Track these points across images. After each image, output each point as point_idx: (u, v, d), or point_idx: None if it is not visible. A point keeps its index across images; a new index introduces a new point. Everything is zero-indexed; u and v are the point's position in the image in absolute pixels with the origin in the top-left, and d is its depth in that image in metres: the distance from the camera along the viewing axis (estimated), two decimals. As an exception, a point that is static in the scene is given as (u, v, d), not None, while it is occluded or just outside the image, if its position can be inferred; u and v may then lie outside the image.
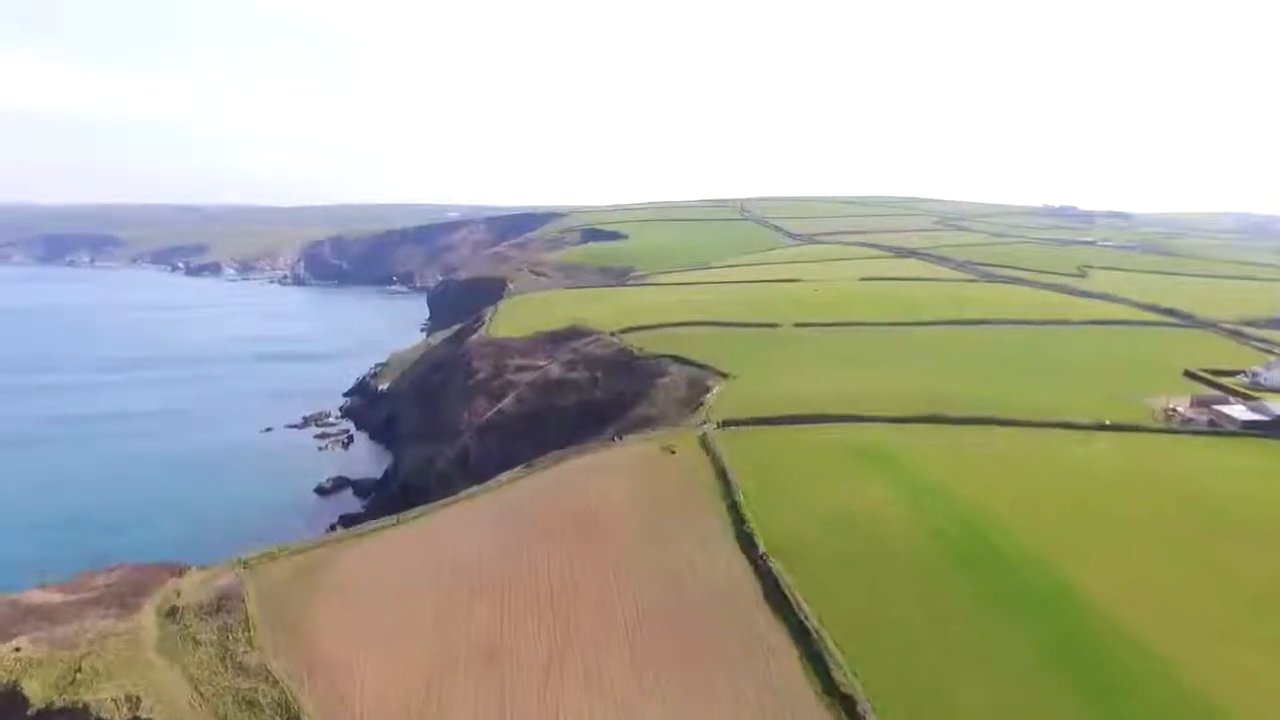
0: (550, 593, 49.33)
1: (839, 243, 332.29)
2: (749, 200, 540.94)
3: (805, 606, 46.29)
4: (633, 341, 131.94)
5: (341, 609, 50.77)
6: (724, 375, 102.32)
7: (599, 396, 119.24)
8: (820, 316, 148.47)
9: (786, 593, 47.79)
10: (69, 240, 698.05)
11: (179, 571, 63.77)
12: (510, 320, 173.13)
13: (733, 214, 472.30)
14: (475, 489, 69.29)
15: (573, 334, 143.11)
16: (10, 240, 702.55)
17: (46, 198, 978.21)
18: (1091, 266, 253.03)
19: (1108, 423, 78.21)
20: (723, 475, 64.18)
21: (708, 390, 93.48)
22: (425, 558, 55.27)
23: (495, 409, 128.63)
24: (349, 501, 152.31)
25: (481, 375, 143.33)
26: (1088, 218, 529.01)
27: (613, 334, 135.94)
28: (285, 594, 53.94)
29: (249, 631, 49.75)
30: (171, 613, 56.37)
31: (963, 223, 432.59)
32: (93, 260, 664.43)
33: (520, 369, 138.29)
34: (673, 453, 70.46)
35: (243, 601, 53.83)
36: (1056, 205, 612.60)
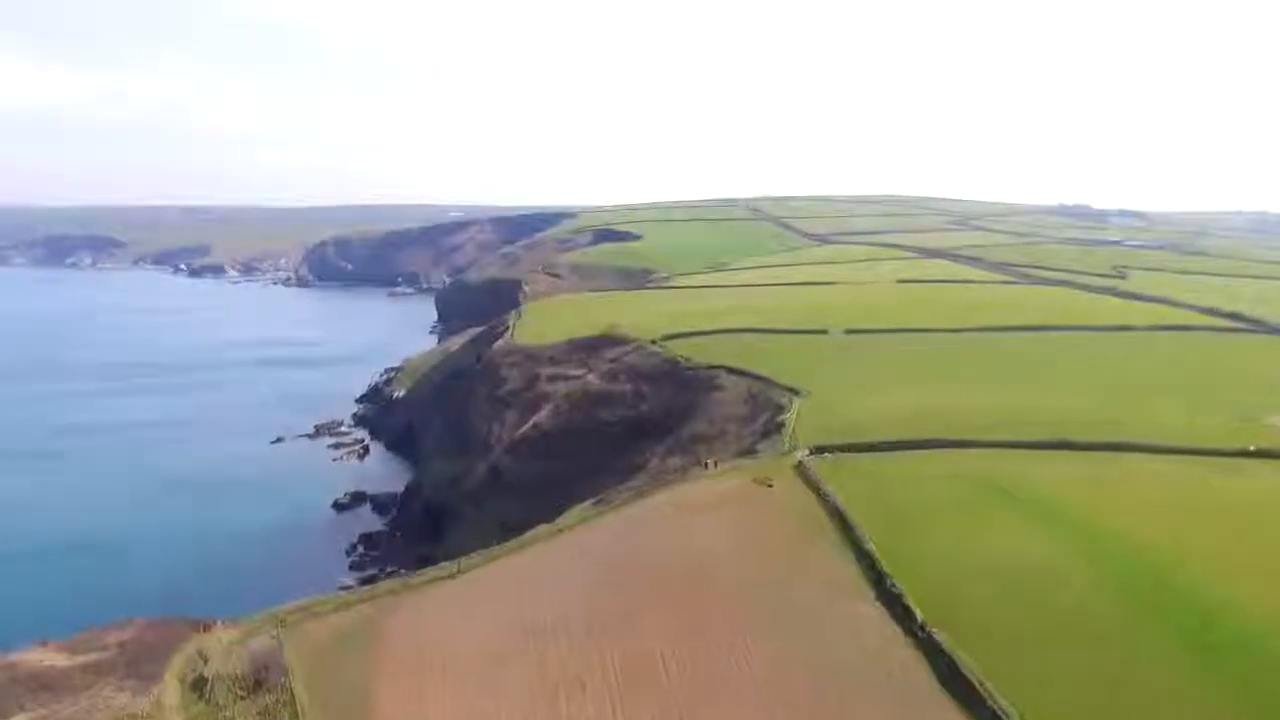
0: (666, 674, 40.30)
1: (859, 243, 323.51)
2: (758, 199, 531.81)
3: (999, 698, 37.09)
4: (674, 349, 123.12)
5: (407, 689, 41.84)
6: (792, 390, 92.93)
7: (645, 411, 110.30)
8: (870, 322, 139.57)
9: (969, 677, 38.63)
10: (70, 242, 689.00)
11: (202, 628, 54.72)
12: (535, 325, 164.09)
13: (743, 213, 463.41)
14: (543, 529, 60.25)
15: (607, 341, 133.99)
16: (10, 243, 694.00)
17: (47, 200, 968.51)
18: (1128, 267, 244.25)
19: (1252, 449, 69.22)
20: (838, 516, 54.95)
21: (779, 408, 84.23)
22: (501, 621, 46.19)
23: (529, 423, 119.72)
24: (368, 518, 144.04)
25: (510, 385, 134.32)
26: (1103, 216, 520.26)
27: (652, 341, 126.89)
28: (335, 665, 45.09)
29: (298, 718, 40.92)
30: (199, 685, 47.51)
31: (980, 222, 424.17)
32: (94, 262, 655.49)
33: (553, 379, 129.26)
34: (769, 486, 61.48)
35: (285, 675, 44.95)
36: (1070, 204, 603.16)
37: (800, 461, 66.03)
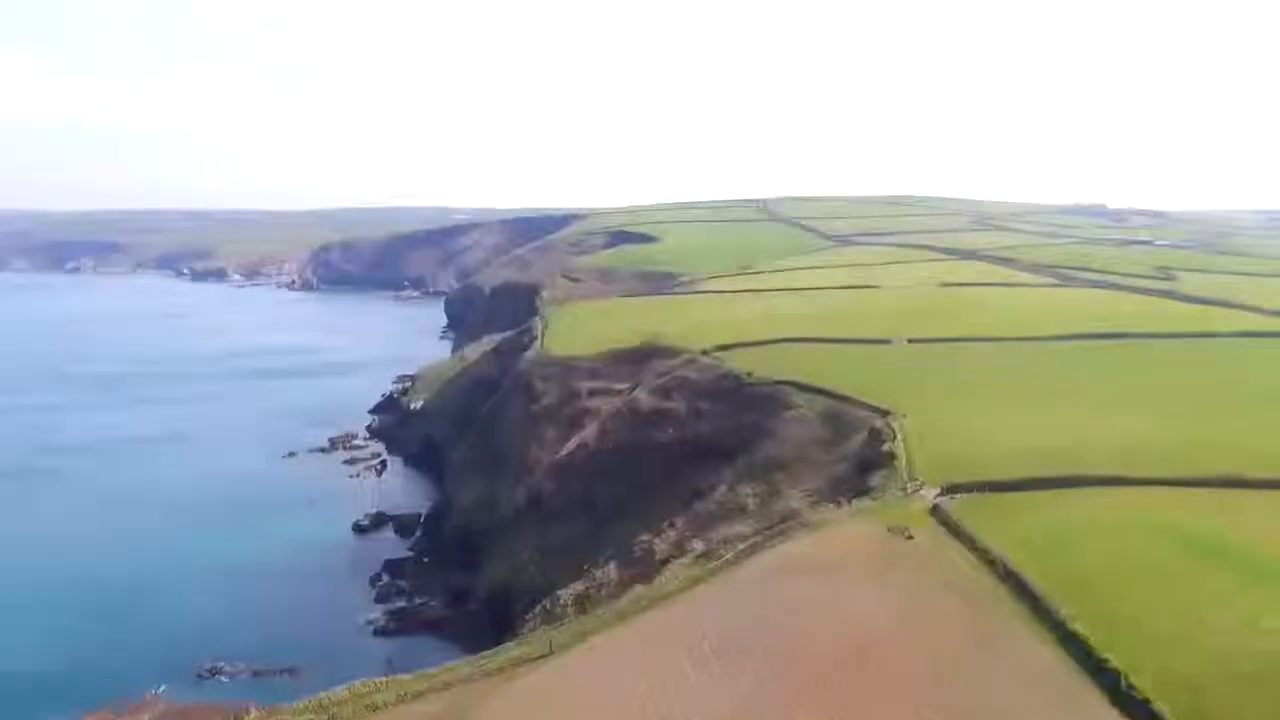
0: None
1: (885, 244, 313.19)
2: (769, 200, 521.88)
3: None
4: (727, 361, 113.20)
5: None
6: (880, 410, 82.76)
7: (705, 431, 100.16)
8: (930, 330, 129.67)
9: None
10: (72, 247, 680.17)
11: (235, 717, 44.67)
12: (566, 334, 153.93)
13: (758, 214, 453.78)
14: (639, 592, 50.06)
15: (653, 352, 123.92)
16: (12, 248, 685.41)
17: (49, 205, 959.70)
18: (1172, 268, 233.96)
19: None
20: (1012, 580, 44.74)
21: (876, 432, 74.03)
22: (621, 728, 36.23)
23: (574, 443, 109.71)
24: (391, 542, 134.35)
25: (547, 400, 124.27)
26: (1121, 216, 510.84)
27: (704, 352, 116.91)
28: (410, 790, 35.25)
29: None
30: (234, 807, 37.48)
31: (999, 222, 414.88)
32: (95, 267, 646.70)
33: (595, 394, 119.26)
34: (909, 537, 51.43)
35: (346, 803, 35.02)
36: (1085, 204, 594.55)
37: (935, 504, 55.94)
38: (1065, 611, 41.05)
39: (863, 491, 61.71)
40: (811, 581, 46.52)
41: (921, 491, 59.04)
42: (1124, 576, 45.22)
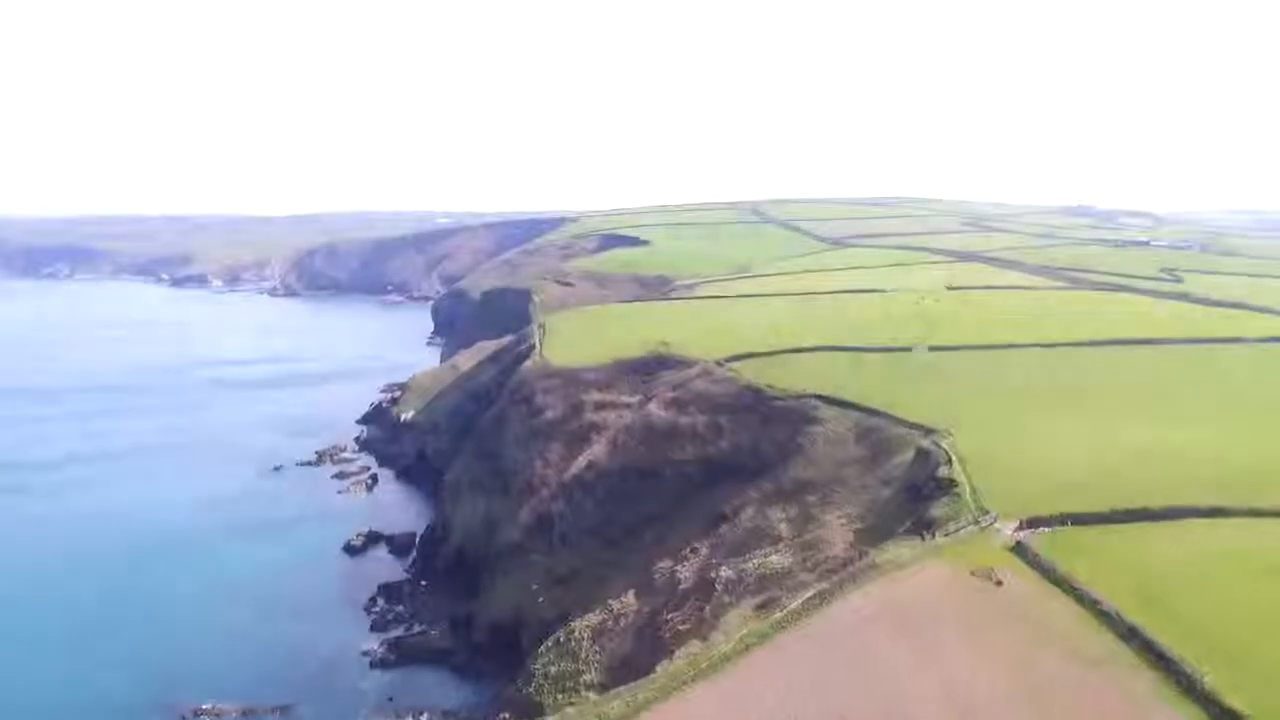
0: None
1: (880, 246, 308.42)
2: (759, 202, 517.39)
3: None
4: (743, 371, 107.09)
5: None
6: (922, 428, 76.71)
7: (725, 449, 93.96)
8: (950, 338, 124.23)
9: None
10: (48, 252, 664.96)
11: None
12: (566, 342, 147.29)
13: (749, 216, 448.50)
14: (696, 651, 43.40)
15: (663, 362, 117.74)
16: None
17: (25, 210, 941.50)
18: (1177, 270, 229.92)
19: None
20: (1134, 638, 38.77)
21: (923, 453, 67.93)
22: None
23: (584, 461, 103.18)
24: (385, 563, 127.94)
25: (551, 414, 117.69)
26: (1111, 217, 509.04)
27: (719, 363, 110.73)
28: None
29: None
30: None
31: (993, 223, 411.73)
32: (72, 273, 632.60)
33: (602, 407, 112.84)
34: (997, 583, 45.30)
35: None
36: (1074, 205, 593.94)
37: (1017, 541, 49.77)
38: (1211, 680, 35.11)
39: (923, 524, 55.58)
40: (901, 641, 40.19)
41: (997, 525, 52.94)
42: (1258, 631, 39.29)
